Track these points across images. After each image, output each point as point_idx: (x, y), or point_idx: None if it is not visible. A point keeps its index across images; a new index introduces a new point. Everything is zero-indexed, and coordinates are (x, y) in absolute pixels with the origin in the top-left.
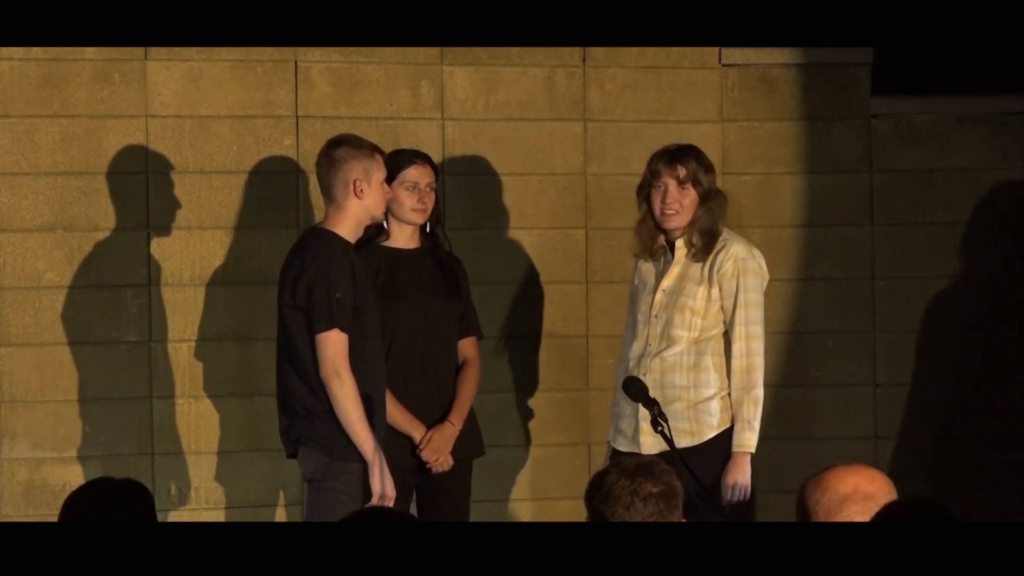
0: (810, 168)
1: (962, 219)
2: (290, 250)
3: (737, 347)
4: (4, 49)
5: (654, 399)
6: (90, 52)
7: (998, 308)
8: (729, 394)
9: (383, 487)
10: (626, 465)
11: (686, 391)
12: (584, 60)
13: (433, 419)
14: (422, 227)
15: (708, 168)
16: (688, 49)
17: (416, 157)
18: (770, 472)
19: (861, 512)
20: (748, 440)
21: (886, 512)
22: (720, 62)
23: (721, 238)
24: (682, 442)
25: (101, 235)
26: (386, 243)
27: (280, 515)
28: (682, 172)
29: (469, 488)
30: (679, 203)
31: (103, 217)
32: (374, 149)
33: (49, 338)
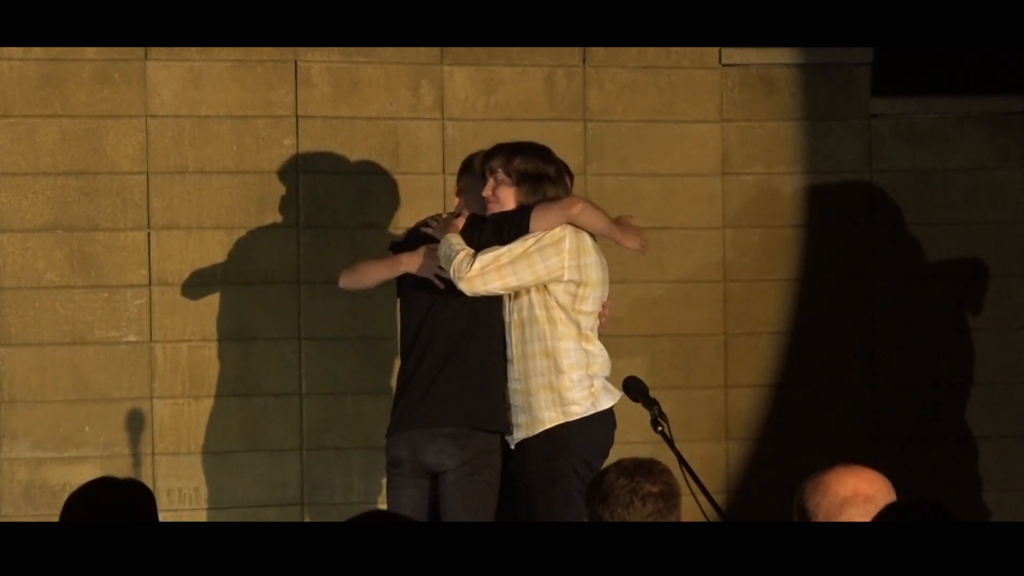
0: (810, 168)
1: (962, 219)
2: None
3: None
4: (4, 49)
5: (654, 399)
6: (90, 52)
7: (998, 308)
8: (552, 385)
9: None
10: (625, 464)
11: (519, 383)
12: (584, 60)
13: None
14: None
15: (527, 156)
16: (688, 49)
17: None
18: (769, 472)
19: (861, 515)
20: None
21: (886, 512)
22: (720, 62)
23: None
24: (519, 434)
25: (101, 235)
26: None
27: (280, 515)
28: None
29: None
30: (492, 193)
31: (103, 217)
32: None
33: (49, 338)
